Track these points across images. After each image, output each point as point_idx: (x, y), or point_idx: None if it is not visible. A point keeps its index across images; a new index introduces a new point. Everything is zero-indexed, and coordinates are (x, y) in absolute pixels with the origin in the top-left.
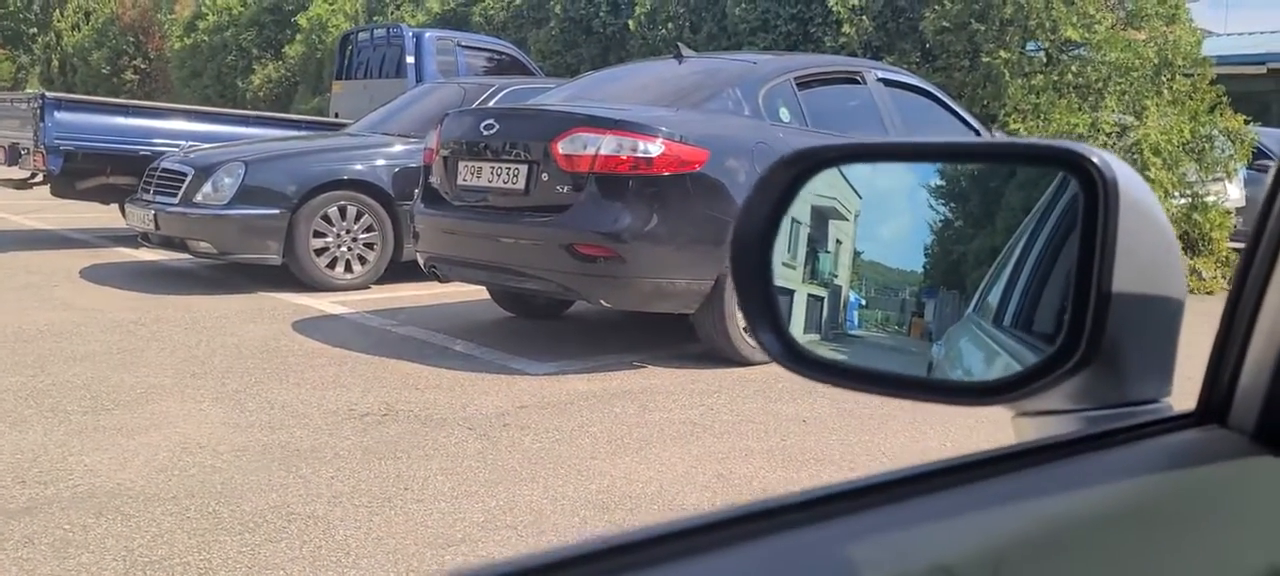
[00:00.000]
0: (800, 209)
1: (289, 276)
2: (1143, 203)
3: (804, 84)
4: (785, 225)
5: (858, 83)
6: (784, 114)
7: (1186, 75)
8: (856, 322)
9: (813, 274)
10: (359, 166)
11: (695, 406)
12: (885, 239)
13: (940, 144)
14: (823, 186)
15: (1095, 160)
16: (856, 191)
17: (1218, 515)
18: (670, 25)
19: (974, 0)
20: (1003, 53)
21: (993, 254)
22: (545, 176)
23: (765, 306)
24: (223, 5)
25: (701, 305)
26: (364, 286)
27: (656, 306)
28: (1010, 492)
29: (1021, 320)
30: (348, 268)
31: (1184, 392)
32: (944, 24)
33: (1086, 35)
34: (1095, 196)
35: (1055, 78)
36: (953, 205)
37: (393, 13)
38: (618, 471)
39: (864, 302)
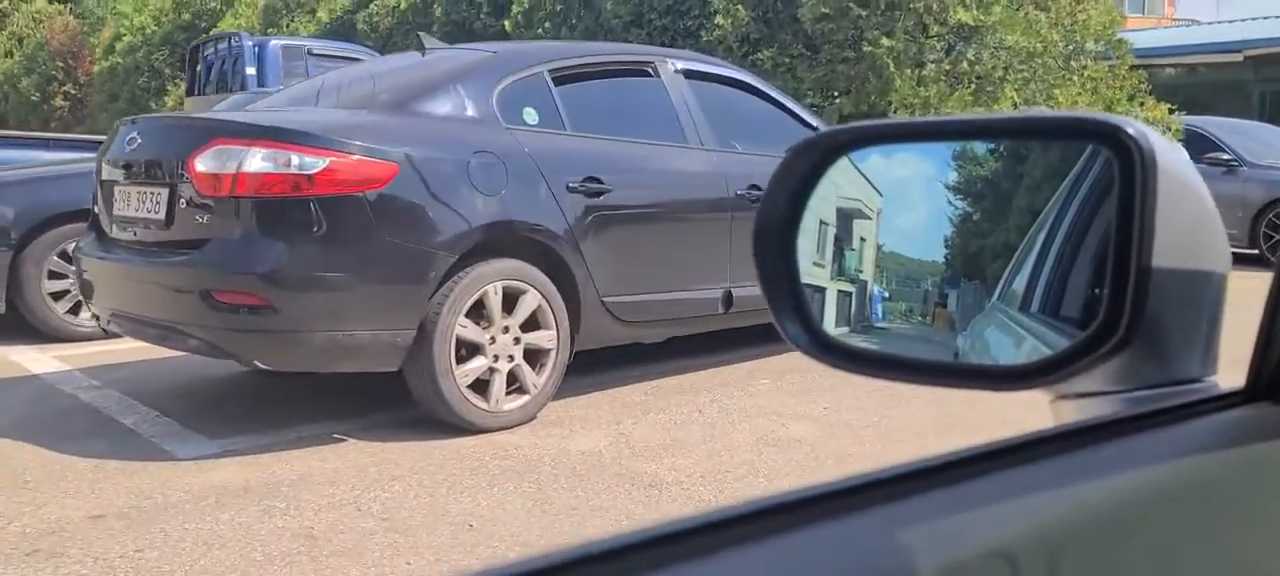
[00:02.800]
0: (826, 210)
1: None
2: (1181, 173)
3: (565, 78)
4: (811, 219)
5: (649, 75)
6: (530, 115)
7: (1105, 59)
8: (881, 315)
9: (840, 271)
10: None
11: (344, 505)
12: (905, 230)
13: (965, 120)
14: (846, 186)
15: (1131, 131)
16: (877, 189)
17: (1274, 494)
18: (547, 24)
19: None
20: (886, 40)
21: (1009, 246)
22: (184, 202)
23: (790, 296)
24: (138, 25)
25: (408, 360)
26: (118, 334)
27: (337, 365)
28: (1062, 474)
29: (1049, 305)
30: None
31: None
32: (823, 10)
33: (980, 17)
34: (1132, 169)
35: (947, 67)
36: (970, 196)
37: (288, 24)
38: None
39: (887, 295)
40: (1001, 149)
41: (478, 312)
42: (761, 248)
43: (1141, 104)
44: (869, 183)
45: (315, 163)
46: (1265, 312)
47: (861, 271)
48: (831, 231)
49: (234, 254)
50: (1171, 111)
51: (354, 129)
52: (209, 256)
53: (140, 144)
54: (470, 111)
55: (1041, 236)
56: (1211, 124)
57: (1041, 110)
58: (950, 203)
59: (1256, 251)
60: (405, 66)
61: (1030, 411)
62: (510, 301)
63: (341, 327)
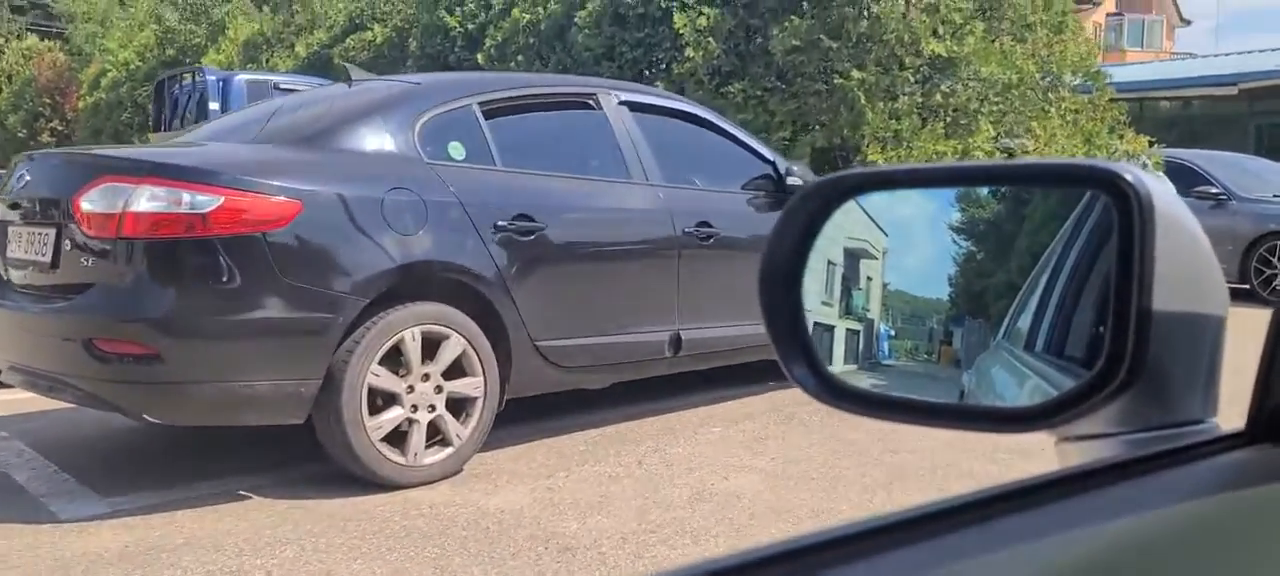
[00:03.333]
0: (834, 250)
1: None
2: (1178, 217)
3: (497, 111)
4: (819, 260)
5: (589, 107)
6: (456, 150)
7: (1084, 91)
8: (888, 352)
9: (848, 309)
10: None
11: (221, 574)
12: (910, 268)
13: (965, 167)
14: (853, 226)
15: (1129, 177)
16: (883, 229)
17: (1277, 536)
18: (520, 57)
19: (827, 14)
20: (857, 72)
21: (1012, 286)
22: (69, 244)
23: (796, 341)
24: (122, 61)
25: (316, 412)
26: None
27: (234, 419)
28: (1066, 519)
29: (1053, 344)
30: None
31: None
32: (794, 42)
33: (954, 48)
34: (1130, 214)
35: (919, 100)
36: (973, 237)
37: (268, 59)
38: None
39: (893, 333)
40: (1003, 191)
41: (395, 360)
42: (768, 292)
43: (1121, 136)
44: (875, 223)
45: (209, 201)
46: (1264, 355)
47: (868, 310)
48: (839, 271)
49: (118, 299)
50: (1152, 144)
51: (255, 165)
52: (91, 302)
53: (30, 181)
54: (388, 146)
55: (1044, 277)
56: (1200, 157)
57: (1038, 157)
58: (954, 242)
59: (1248, 286)
60: (327, 98)
61: (982, 462)
62: (432, 347)
63: (237, 378)
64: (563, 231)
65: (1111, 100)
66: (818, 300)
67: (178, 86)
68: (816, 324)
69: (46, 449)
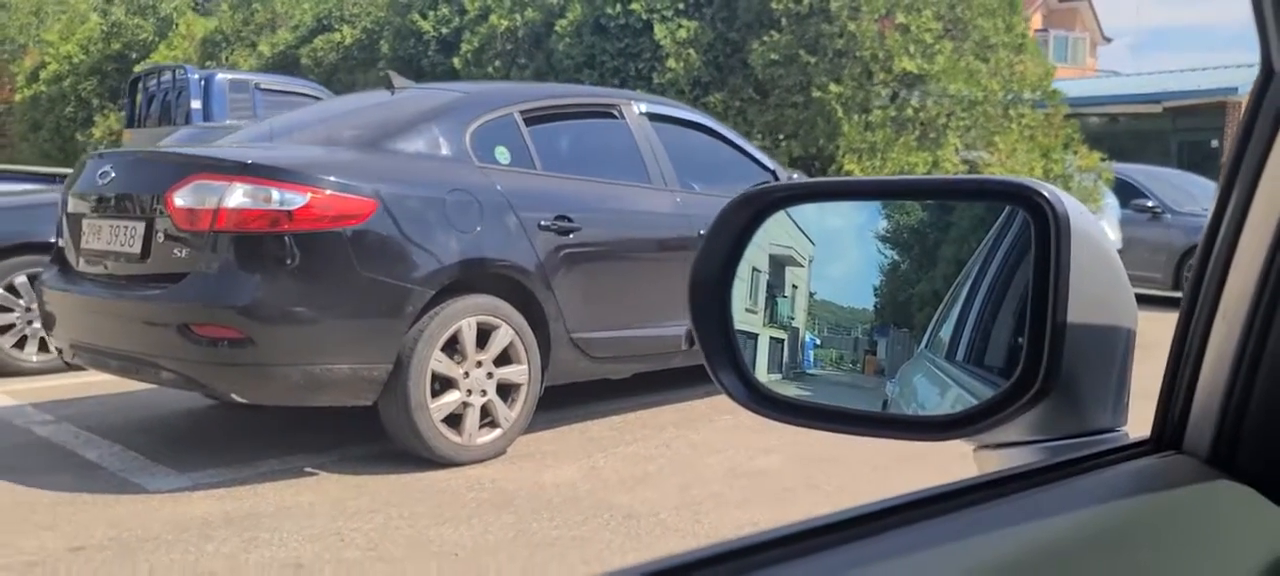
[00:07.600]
0: (759, 257)
1: None
2: (1092, 235)
3: (536, 119)
4: (745, 268)
5: (614, 117)
6: (502, 154)
7: (1040, 107)
8: (812, 361)
9: (772, 317)
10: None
11: (327, 536)
12: (836, 278)
13: (891, 181)
14: (779, 234)
15: (1046, 194)
16: (809, 238)
17: (1179, 539)
18: (498, 62)
19: (805, 31)
20: (834, 86)
21: (937, 295)
22: (161, 236)
23: (725, 348)
24: (65, 54)
25: (383, 394)
26: (66, 367)
27: (314, 399)
28: (980, 524)
29: (973, 355)
30: (43, 347)
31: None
32: (773, 56)
33: (924, 66)
34: (1047, 229)
35: (893, 113)
36: (899, 246)
37: (227, 56)
38: None
39: (819, 342)
40: (929, 203)
41: (451, 347)
42: (697, 301)
43: (1075, 151)
44: (801, 231)
45: (296, 199)
46: (1167, 367)
47: (794, 318)
48: (764, 278)
49: (213, 287)
50: (1103, 160)
51: (333, 165)
52: (187, 290)
53: (114, 178)
54: (444, 150)
55: (966, 288)
56: (1137, 172)
57: (970, 174)
58: (880, 252)
59: (1180, 294)
60: (375, 104)
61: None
62: (483, 336)
63: (319, 362)
64: (596, 231)
65: (1066, 117)
66: (742, 307)
67: (155, 82)
68: (740, 331)
69: (100, 430)
